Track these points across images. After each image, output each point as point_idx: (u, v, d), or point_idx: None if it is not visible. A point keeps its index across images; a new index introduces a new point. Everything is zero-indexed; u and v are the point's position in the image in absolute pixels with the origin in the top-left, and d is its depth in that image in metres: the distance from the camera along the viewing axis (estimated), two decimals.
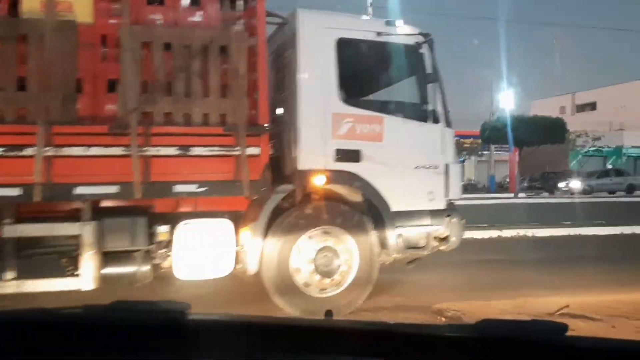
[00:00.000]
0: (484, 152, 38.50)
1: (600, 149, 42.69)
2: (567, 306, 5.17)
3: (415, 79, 5.92)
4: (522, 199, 26.35)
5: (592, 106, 61.63)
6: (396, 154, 5.54)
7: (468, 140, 37.78)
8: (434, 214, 5.73)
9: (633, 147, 44.40)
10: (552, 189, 34.98)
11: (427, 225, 5.70)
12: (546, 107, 57.79)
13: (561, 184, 33.98)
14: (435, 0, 79.44)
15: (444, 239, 5.79)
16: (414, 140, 5.68)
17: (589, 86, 64.19)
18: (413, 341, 1.26)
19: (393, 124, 5.58)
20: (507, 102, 35.08)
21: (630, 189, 33.78)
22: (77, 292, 4.73)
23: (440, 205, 5.74)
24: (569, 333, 1.19)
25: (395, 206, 5.50)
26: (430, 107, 5.75)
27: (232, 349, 1.27)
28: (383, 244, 5.54)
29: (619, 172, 36.67)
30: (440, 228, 5.73)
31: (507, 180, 37.83)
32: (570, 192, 31.04)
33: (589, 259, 8.89)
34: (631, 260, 8.68)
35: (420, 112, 5.75)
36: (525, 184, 38.00)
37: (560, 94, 64.84)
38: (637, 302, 5.51)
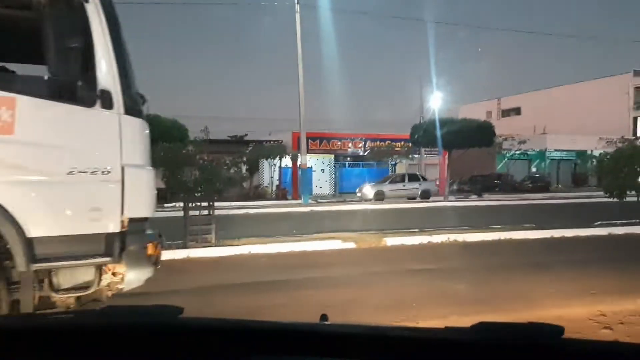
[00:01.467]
0: (415, 156, 38.60)
1: (526, 152, 43.96)
2: None
3: (77, 46, 3.92)
4: (452, 202, 26.30)
5: (517, 111, 63.92)
6: (37, 152, 3.75)
7: (399, 144, 37.80)
8: (99, 239, 3.91)
9: (556, 150, 45.94)
10: (479, 193, 35.43)
11: (88, 256, 3.86)
12: (474, 112, 59.35)
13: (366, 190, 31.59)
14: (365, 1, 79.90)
15: (120, 274, 4.02)
16: (68, 132, 3.89)
17: (515, 91, 66.54)
18: (409, 344, 1.27)
19: (33, 108, 3.78)
20: (436, 105, 35.32)
21: (425, 195, 30.87)
22: None
23: (112, 226, 3.93)
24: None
25: (35, 230, 3.71)
26: (100, 86, 3.94)
27: (224, 352, 1.28)
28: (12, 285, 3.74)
29: (413, 177, 32.77)
30: (109, 260, 3.91)
31: (438, 183, 38.12)
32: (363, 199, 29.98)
33: (524, 266, 8.38)
34: (568, 267, 8.24)
35: (82, 93, 3.90)
36: (455, 187, 38.51)
37: (487, 99, 67.04)
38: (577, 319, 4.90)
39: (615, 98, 51.91)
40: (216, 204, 10.49)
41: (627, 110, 52.03)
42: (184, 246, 9.95)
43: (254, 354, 1.26)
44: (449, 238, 11.26)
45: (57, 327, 1.40)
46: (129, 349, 1.28)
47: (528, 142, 43.37)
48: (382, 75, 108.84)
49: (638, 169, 12.82)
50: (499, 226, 13.11)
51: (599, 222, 13.47)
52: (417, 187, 31.34)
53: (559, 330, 1.22)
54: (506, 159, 44.74)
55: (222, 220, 11.19)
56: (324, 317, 1.61)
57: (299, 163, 37.63)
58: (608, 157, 13.35)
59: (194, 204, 10.17)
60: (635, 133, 48.44)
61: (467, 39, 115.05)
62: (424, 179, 33.24)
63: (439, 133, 23.47)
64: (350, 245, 10.51)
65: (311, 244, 10.44)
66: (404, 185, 31.33)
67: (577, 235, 12.04)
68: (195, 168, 10.10)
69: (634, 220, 13.32)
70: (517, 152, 43.21)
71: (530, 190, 38.91)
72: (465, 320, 4.64)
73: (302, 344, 1.29)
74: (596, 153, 41.97)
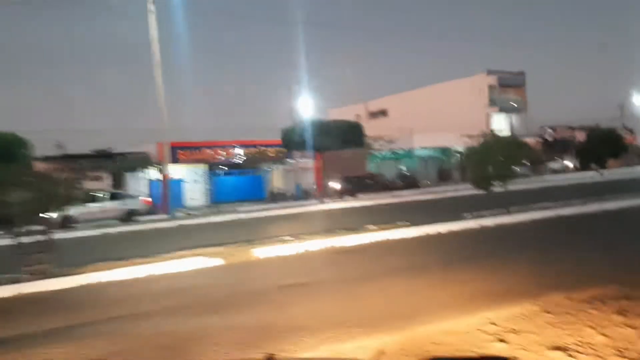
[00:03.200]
0: (290, 160, 38.16)
1: (395, 151, 45.37)
2: (383, 353, 3.72)
3: None
4: (328, 204, 26.01)
5: (384, 113, 66.16)
6: None
7: (272, 150, 37.08)
8: None
9: (422, 148, 47.87)
10: (354, 193, 35.75)
11: None
12: (342, 115, 60.01)
13: None
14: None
15: None
16: None
17: (381, 94, 68.90)
18: None
19: None
20: (305, 109, 35.07)
21: (130, 215, 23.78)
22: None
23: None
24: None
25: None
26: None
27: None
28: None
29: (117, 196, 25.52)
30: None
31: (315, 186, 38.06)
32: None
33: (402, 271, 7.82)
34: (446, 267, 7.83)
35: None
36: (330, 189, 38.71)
37: (354, 102, 68.70)
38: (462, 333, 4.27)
39: (472, 96, 55.39)
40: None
41: (483, 107, 55.71)
42: (17, 280, 8.27)
43: None
44: (325, 244, 10.56)
45: None
46: None
47: (396, 142, 44.85)
48: (254, 81, 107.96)
49: (503, 159, 13.01)
50: (375, 227, 12.69)
51: (469, 215, 13.57)
52: (120, 207, 24.43)
53: None
54: (377, 159, 45.84)
55: (70, 245, 9.57)
56: (270, 358, 1.41)
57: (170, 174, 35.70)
58: (474, 149, 13.48)
59: (23, 229, 8.50)
60: (490, 129, 51.93)
61: (334, 43, 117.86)
62: (131, 197, 27.14)
63: (309, 135, 22.97)
64: (217, 261, 9.40)
65: (173, 264, 9.19)
66: (102, 207, 23.86)
67: (450, 230, 11.93)
68: (22, 187, 8.42)
69: (500, 210, 13.59)
70: (387, 152, 44.50)
71: (401, 187, 40.16)
72: (342, 347, 3.73)
73: None
74: (458, 149, 44.97)
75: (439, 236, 11.41)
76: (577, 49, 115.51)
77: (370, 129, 49.20)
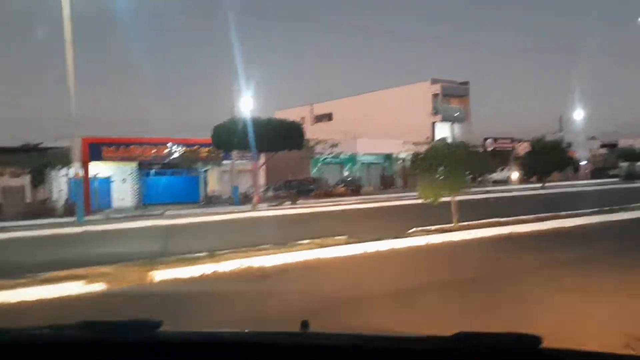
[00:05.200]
0: (227, 161, 35.93)
1: (338, 156, 44.06)
2: None
3: None
4: (263, 211, 24.05)
5: (329, 117, 65.00)
6: None
7: (205, 149, 34.69)
8: None
9: (365, 154, 46.73)
10: (294, 197, 34.26)
11: None
12: (288, 117, 59.35)
13: None
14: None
15: None
16: None
17: (327, 98, 67.70)
18: (392, 354, 1.27)
19: None
20: (247, 109, 32.92)
21: None
22: None
23: None
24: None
25: None
26: None
27: None
28: None
29: None
30: None
31: (253, 190, 36.19)
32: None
33: (326, 311, 5.99)
34: (388, 305, 6.07)
35: None
36: (271, 193, 36.94)
37: (300, 104, 67.25)
38: None
39: (417, 104, 54.84)
40: None
41: (427, 115, 55.23)
42: None
43: None
44: (241, 264, 8.63)
45: (34, 342, 1.39)
46: None
47: (340, 146, 43.59)
48: (193, 76, 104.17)
49: (454, 166, 11.48)
50: (307, 241, 10.87)
51: (413, 229, 11.99)
52: None
53: (537, 339, 1.22)
54: (320, 163, 44.46)
55: None
56: (304, 324, 1.50)
57: (94, 172, 32.66)
58: (422, 155, 11.90)
59: None
60: (434, 137, 51.42)
61: (280, 45, 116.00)
62: None
63: (243, 134, 20.91)
64: (95, 287, 7.28)
65: (37, 291, 7.03)
66: None
67: (392, 248, 10.26)
68: None
69: (448, 224, 12.08)
70: (330, 156, 43.16)
71: (343, 193, 38.94)
72: None
73: (283, 355, 1.27)
74: (402, 156, 44.23)
75: (378, 255, 9.71)
76: (521, 63, 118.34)
77: (315, 132, 47.96)
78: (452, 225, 11.98)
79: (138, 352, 1.31)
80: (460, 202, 12.62)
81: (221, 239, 12.97)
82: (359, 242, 10.30)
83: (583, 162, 52.42)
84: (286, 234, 13.17)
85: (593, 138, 62.11)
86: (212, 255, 9.36)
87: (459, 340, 1.23)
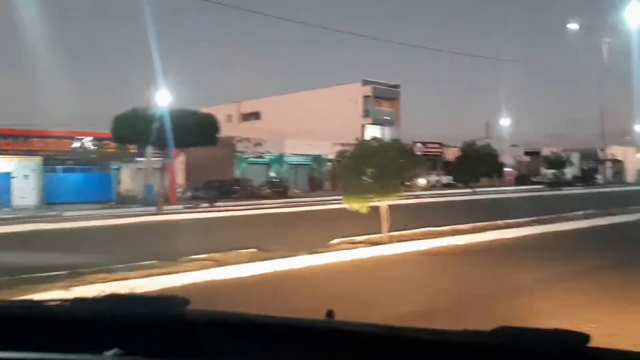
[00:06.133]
0: (141, 158, 32.91)
1: (262, 156, 41.93)
2: None
3: None
4: (177, 213, 21.52)
5: (257, 115, 62.74)
6: None
7: (114, 144, 31.44)
8: None
9: (293, 154, 44.87)
10: (215, 199, 31.99)
11: None
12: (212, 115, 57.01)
13: None
14: None
15: None
16: None
17: (255, 95, 65.42)
18: (424, 346, 1.22)
19: None
20: (164, 103, 30.04)
21: None
22: None
23: None
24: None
25: None
26: None
27: (230, 347, 1.26)
28: None
29: None
30: None
31: (169, 189, 33.56)
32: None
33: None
34: None
35: None
36: (189, 194, 34.48)
37: (227, 102, 64.58)
38: None
39: (347, 106, 53.56)
40: None
41: (357, 117, 54.04)
42: None
43: (258, 349, 1.24)
44: (101, 291, 6.37)
45: (55, 315, 1.39)
46: (129, 338, 1.25)
47: (266, 146, 41.62)
48: (109, 67, 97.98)
49: (387, 167, 9.68)
50: (205, 255, 8.71)
51: (337, 240, 10.13)
52: None
53: (585, 337, 1.14)
54: (245, 163, 42.29)
55: None
56: (330, 313, 1.45)
57: None
58: (350, 153, 10.04)
59: None
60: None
61: (209, 37, 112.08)
62: None
63: (148, 126, 18.28)
64: None
65: None
66: None
67: (309, 265, 8.29)
68: None
69: (376, 235, 10.28)
70: (255, 156, 41.04)
71: (268, 195, 36.85)
72: None
73: (310, 341, 1.25)
74: (331, 157, 42.58)
75: (289, 277, 7.69)
76: (452, 68, 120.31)
77: (242, 131, 45.69)
78: (382, 235, 10.16)
79: (164, 327, 1.29)
80: (390, 207, 10.86)
81: (103, 250, 10.58)
82: (268, 258, 8.25)
83: (508, 169, 52.89)
84: (187, 244, 10.96)
85: (515, 145, 63.16)
86: (71, 275, 7.04)
87: (497, 335, 1.15)
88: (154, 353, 1.22)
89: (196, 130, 19.44)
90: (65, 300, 1.47)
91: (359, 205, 9.52)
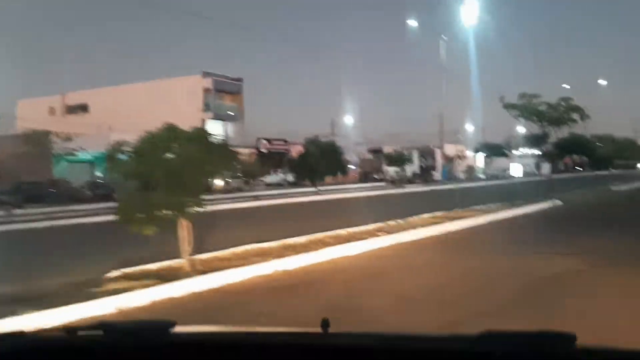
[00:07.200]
0: None
1: (74, 153, 36.38)
2: None
3: None
4: None
5: (84, 108, 56.26)
6: None
7: None
8: None
9: (124, 152, 39.99)
10: (20, 204, 27.35)
11: None
12: (35, 108, 50.53)
13: None
14: None
15: None
16: None
17: (83, 86, 58.69)
18: (416, 355, 1.23)
19: None
20: None
21: None
22: None
23: None
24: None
25: None
26: None
27: None
28: None
29: None
30: None
31: None
32: None
33: None
34: None
35: None
36: None
37: (50, 94, 57.40)
38: None
39: (186, 99, 49.76)
40: None
41: (197, 112, 50.36)
42: None
43: None
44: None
45: (49, 346, 1.39)
46: None
47: (90, 141, 36.49)
48: None
49: (184, 169, 6.73)
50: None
51: (115, 273, 7.00)
52: None
53: (571, 338, 1.15)
54: (66, 162, 36.93)
55: None
56: (325, 322, 1.38)
57: None
58: (128, 153, 6.96)
59: None
60: None
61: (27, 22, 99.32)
62: None
63: None
64: None
65: None
66: None
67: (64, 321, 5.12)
68: None
69: (176, 262, 7.33)
70: (66, 153, 35.82)
71: (92, 199, 31.98)
72: None
73: (303, 354, 1.24)
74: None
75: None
76: (300, 66, 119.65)
77: (68, 125, 39.89)
78: (182, 262, 7.21)
79: (152, 353, 1.29)
80: (207, 214, 7.91)
81: None
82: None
83: (353, 166, 52.75)
84: None
85: (360, 143, 63.79)
86: None
87: (485, 340, 1.16)
88: None
89: None
90: (53, 330, 1.54)
91: (138, 226, 6.44)
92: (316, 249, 9.03)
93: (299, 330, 1.34)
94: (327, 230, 11.04)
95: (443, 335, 1.24)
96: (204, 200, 6.99)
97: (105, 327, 1.38)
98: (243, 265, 7.60)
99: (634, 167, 58.54)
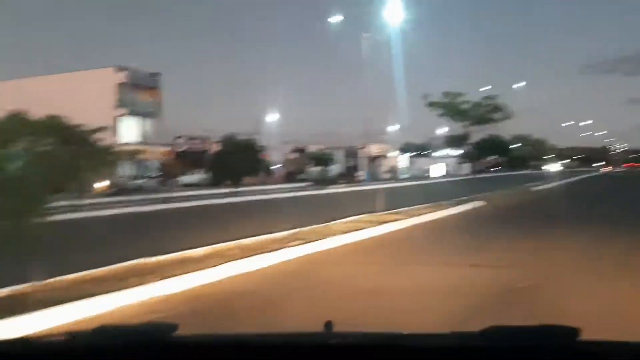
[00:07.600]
0: None
1: None
2: None
3: None
4: None
5: None
6: None
7: None
8: None
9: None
10: None
11: None
12: None
13: None
14: None
15: None
16: None
17: None
18: (419, 354, 1.21)
19: None
20: None
21: None
22: None
23: None
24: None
25: None
26: None
27: None
28: None
29: None
30: None
31: None
32: None
33: None
34: None
35: None
36: None
37: None
38: None
39: (99, 93, 46.34)
40: None
41: (111, 108, 47.12)
42: None
43: None
44: None
45: (50, 350, 1.36)
46: None
47: None
48: None
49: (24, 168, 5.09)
50: None
51: None
52: None
53: (575, 331, 1.15)
54: None
55: None
56: (328, 324, 1.42)
57: None
58: None
59: None
60: (117, 135, 43.66)
61: None
62: None
63: None
64: None
65: None
66: None
67: None
68: None
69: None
70: None
71: None
72: None
73: (306, 355, 1.23)
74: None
75: None
76: (222, 63, 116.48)
77: None
78: (28, 287, 5.55)
79: (154, 356, 1.26)
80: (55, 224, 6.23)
81: None
82: None
83: (277, 166, 51.30)
84: None
85: (286, 142, 62.47)
86: None
87: (488, 336, 1.15)
88: None
89: None
90: (58, 335, 1.43)
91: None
92: (213, 265, 7.55)
93: (302, 332, 1.36)
94: (232, 240, 9.62)
95: (446, 333, 1.24)
96: (47, 208, 5.36)
97: (107, 330, 1.37)
98: (114, 290, 5.99)
99: (541, 168, 61.05)
